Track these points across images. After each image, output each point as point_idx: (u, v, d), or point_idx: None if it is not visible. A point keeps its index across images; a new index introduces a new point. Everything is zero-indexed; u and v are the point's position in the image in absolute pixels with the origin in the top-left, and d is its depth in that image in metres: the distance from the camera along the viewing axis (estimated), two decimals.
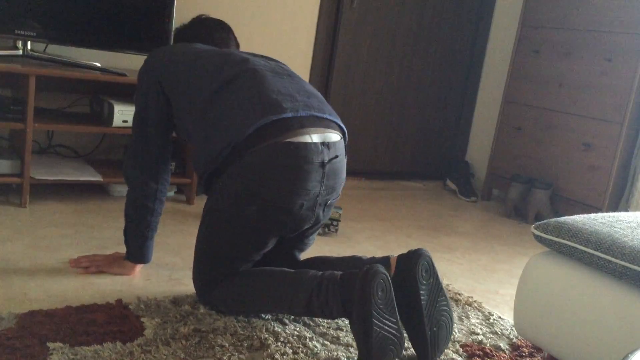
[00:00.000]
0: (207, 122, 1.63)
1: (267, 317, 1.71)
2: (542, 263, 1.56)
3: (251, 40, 3.10)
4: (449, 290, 2.09)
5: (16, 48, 2.41)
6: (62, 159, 2.68)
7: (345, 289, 1.50)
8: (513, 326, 1.86)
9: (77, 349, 1.41)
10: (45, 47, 2.55)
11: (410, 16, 3.61)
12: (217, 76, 1.65)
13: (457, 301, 2.02)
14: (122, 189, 2.71)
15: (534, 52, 3.37)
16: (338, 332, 1.69)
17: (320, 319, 1.74)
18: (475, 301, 2.04)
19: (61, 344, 1.42)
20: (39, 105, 2.45)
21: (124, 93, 2.62)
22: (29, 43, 2.42)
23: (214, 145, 1.58)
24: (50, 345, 1.41)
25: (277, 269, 1.68)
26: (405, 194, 3.58)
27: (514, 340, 1.80)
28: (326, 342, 1.63)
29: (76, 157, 2.76)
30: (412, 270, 1.55)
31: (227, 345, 1.53)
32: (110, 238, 2.15)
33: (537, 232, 1.56)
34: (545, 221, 1.57)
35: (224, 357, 1.48)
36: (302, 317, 1.73)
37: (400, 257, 1.60)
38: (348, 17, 3.41)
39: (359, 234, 2.67)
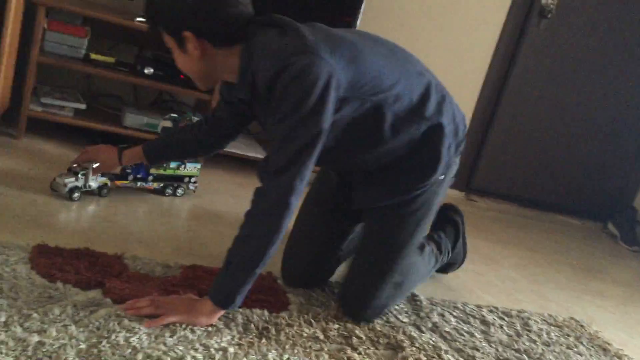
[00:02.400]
0: (418, 148, 1.57)
1: (404, 319, 1.72)
2: None
3: (428, 42, 3.11)
4: (597, 338, 1.97)
5: None
6: None
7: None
8: None
9: (229, 309, 1.51)
10: None
11: (603, 44, 3.40)
12: (423, 100, 1.54)
13: (605, 350, 1.89)
14: None
15: None
16: (474, 352, 1.66)
17: (457, 335, 1.72)
18: (626, 355, 1.90)
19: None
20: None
21: None
22: None
23: (433, 170, 1.60)
24: None
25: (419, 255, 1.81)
26: (559, 229, 3.40)
27: None
28: (460, 359, 1.60)
29: (247, 134, 2.94)
30: None
31: (364, 338, 1.56)
32: None
33: None
34: None
35: (360, 349, 1.51)
36: (440, 329, 1.72)
37: None
38: (532, 38, 3.29)
39: (505, 260, 2.58)
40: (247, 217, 1.41)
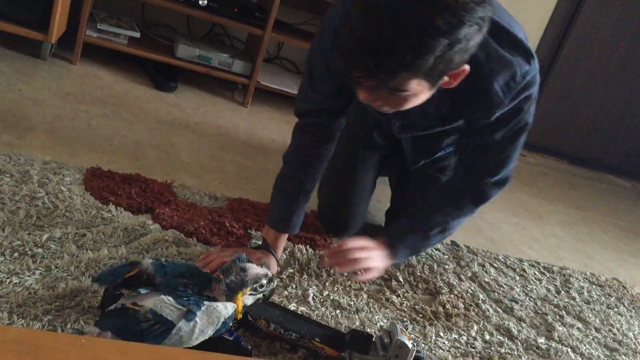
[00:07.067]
0: None
1: (444, 267, 1.72)
2: None
3: None
4: (639, 300, 1.94)
5: None
6: (284, 71, 2.85)
7: None
8: None
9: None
10: None
11: None
12: None
13: None
14: None
15: None
16: (513, 303, 1.66)
17: (496, 286, 1.72)
18: None
19: (260, 234, 1.56)
20: (278, 18, 2.60)
21: None
22: None
23: None
24: (252, 232, 1.56)
25: None
26: (610, 189, 3.31)
27: None
28: (499, 309, 1.61)
29: (296, 73, 2.92)
30: None
31: (402, 281, 1.58)
32: None
33: None
34: None
35: (399, 291, 1.52)
36: (480, 279, 1.73)
37: None
38: None
39: (551, 216, 2.54)
40: (459, 208, 1.48)
